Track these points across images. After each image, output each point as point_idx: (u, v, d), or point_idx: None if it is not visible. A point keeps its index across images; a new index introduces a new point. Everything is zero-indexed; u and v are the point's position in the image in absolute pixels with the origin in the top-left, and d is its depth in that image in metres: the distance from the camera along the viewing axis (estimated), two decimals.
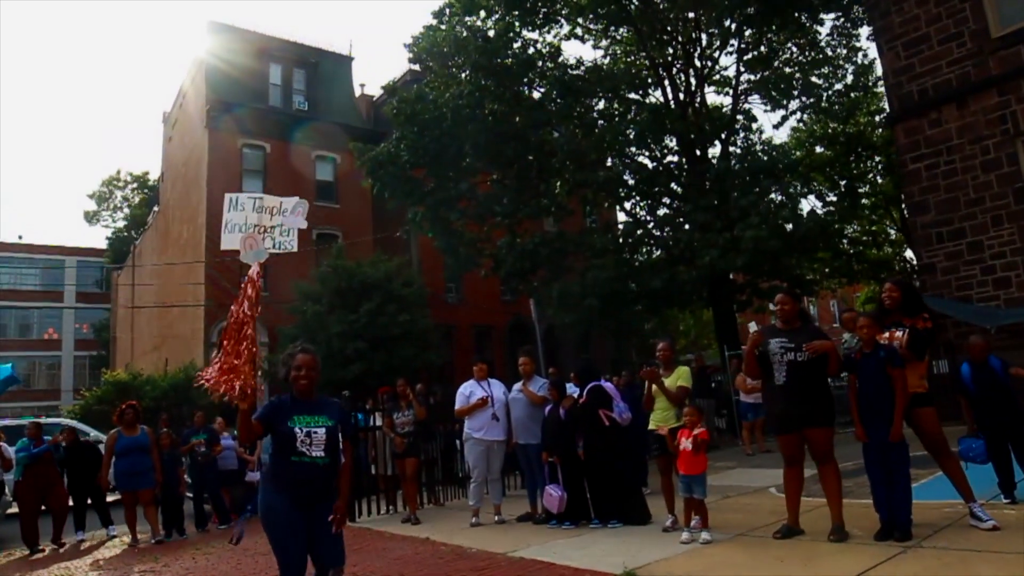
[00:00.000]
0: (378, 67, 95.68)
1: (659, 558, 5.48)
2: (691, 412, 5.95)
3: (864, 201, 21.03)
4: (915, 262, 17.71)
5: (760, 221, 13.23)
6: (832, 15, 18.38)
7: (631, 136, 16.78)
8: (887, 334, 5.32)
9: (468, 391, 8.27)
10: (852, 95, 19.43)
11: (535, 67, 18.33)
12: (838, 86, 18.92)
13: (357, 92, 30.30)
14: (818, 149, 21.23)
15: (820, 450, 5.41)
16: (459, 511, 9.08)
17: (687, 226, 15.43)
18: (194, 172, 26.20)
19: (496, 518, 8.04)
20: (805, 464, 5.68)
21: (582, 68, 18.05)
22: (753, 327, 5.58)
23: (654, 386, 6.37)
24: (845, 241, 20.23)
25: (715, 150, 18.25)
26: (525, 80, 18.50)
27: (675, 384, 6.34)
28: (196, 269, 24.02)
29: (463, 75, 18.04)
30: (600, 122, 17.47)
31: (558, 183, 17.74)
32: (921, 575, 4.30)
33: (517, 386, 8.23)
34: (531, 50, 18.37)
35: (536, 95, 18.70)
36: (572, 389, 8.35)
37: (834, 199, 20.01)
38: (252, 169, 25.66)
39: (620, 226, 17.17)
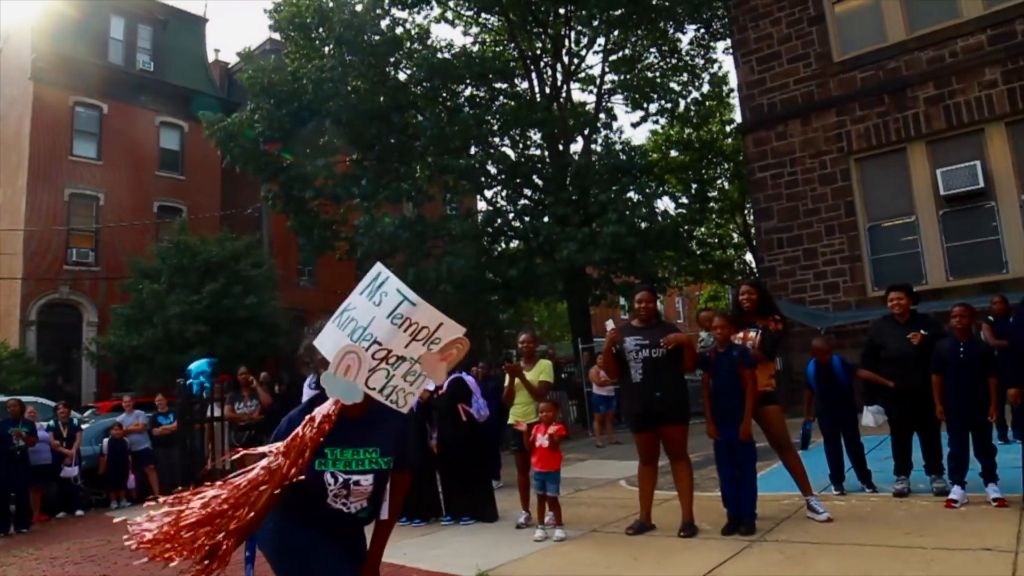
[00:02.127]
0: (235, 33, 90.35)
1: (513, 558, 5.35)
2: (547, 408, 5.85)
3: (712, 205, 22.16)
4: (755, 265, 18.88)
5: (618, 218, 13.53)
6: (695, 26, 19.19)
7: (496, 125, 16.68)
8: (741, 334, 5.46)
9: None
10: (707, 103, 20.40)
11: (402, 47, 17.80)
12: (695, 94, 19.82)
13: (210, 57, 28.29)
14: (673, 153, 22.14)
15: (675, 447, 5.48)
16: None
17: (547, 219, 15.54)
18: (14, 129, 23.34)
19: None
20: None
21: (451, 52, 17.73)
22: (610, 324, 5.59)
23: (516, 380, 6.23)
24: (694, 242, 21.25)
25: (577, 146, 18.55)
26: (392, 60, 17.92)
27: (537, 378, 6.24)
28: (12, 238, 21.51)
29: (327, 48, 17.20)
30: (466, 109, 17.23)
31: (419, 167, 17.34)
32: (766, 570, 4.41)
33: None
34: (399, 29, 17.82)
35: (402, 76, 18.18)
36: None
37: (686, 201, 20.92)
38: (85, 131, 23.21)
39: (480, 214, 17.03)
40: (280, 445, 2.33)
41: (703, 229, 22.74)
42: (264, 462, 2.32)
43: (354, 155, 18.38)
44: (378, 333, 2.33)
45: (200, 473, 9.12)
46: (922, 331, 5.77)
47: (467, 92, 18.53)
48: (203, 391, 10.66)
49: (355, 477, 2.49)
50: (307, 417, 2.37)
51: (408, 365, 2.37)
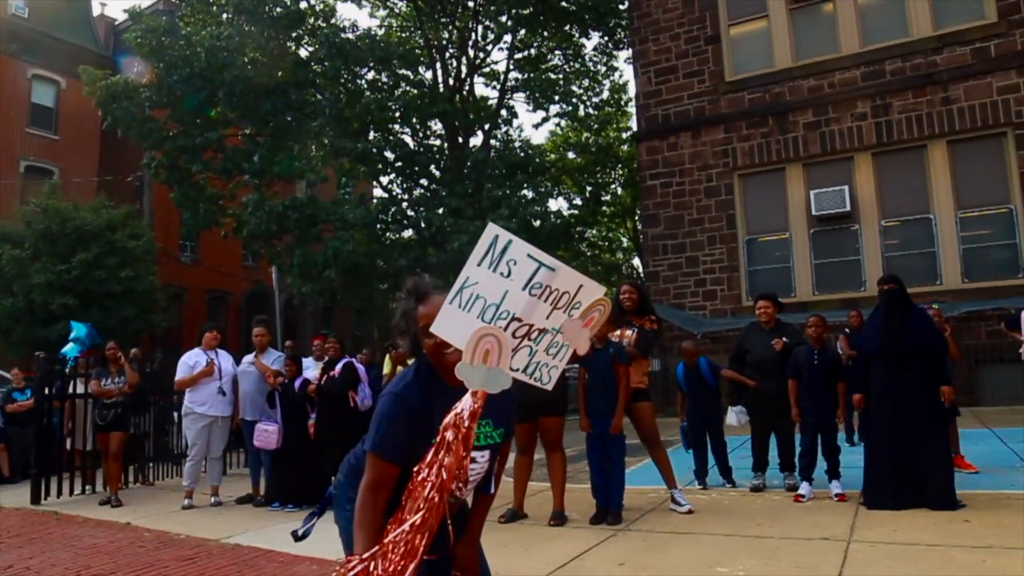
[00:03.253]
0: None
1: None
2: None
3: (605, 209, 22.81)
4: (641, 269, 19.55)
5: (510, 214, 13.72)
6: (599, 33, 19.65)
7: (397, 112, 16.52)
8: (618, 332, 5.69)
9: (193, 361, 7.52)
10: (606, 110, 20.98)
11: (305, 23, 17.34)
12: (595, 99, 20.34)
13: (95, 11, 26.51)
14: (571, 155, 22.63)
15: (551, 438, 5.65)
16: (171, 492, 8.28)
17: (440, 210, 15.56)
18: None
19: (212, 500, 7.42)
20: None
21: (355, 33, 17.40)
22: None
23: (398, 367, 6.23)
24: (584, 244, 21.80)
25: (477, 140, 18.67)
26: (294, 35, 17.42)
27: None
28: None
29: (225, 16, 16.53)
30: (367, 92, 16.97)
31: (315, 147, 16.94)
32: (627, 557, 4.64)
33: (248, 358, 7.66)
34: (304, 4, 17.34)
35: (304, 53, 17.70)
36: (308, 364, 7.97)
37: (579, 203, 21.44)
38: None
39: (375, 200, 16.83)
40: (424, 472, 1.94)
41: (594, 231, 23.37)
42: (419, 507, 1.93)
43: (247, 129, 17.74)
44: (515, 308, 2.00)
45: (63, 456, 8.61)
46: (784, 339, 6.20)
47: (370, 76, 18.27)
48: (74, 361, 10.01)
49: (473, 454, 2.15)
50: (449, 422, 1.96)
51: (551, 337, 2.08)
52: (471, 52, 19.35)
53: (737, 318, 12.81)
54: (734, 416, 6.51)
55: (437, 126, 18.42)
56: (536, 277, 2.00)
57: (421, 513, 1.91)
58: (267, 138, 17.27)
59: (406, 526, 1.92)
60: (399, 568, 1.87)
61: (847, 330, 8.55)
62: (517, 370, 2.04)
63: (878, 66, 12.80)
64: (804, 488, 5.89)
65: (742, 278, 13.45)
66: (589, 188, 21.13)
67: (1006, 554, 4.23)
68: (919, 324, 5.46)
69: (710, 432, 6.62)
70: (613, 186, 22.37)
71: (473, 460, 2.12)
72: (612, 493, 5.45)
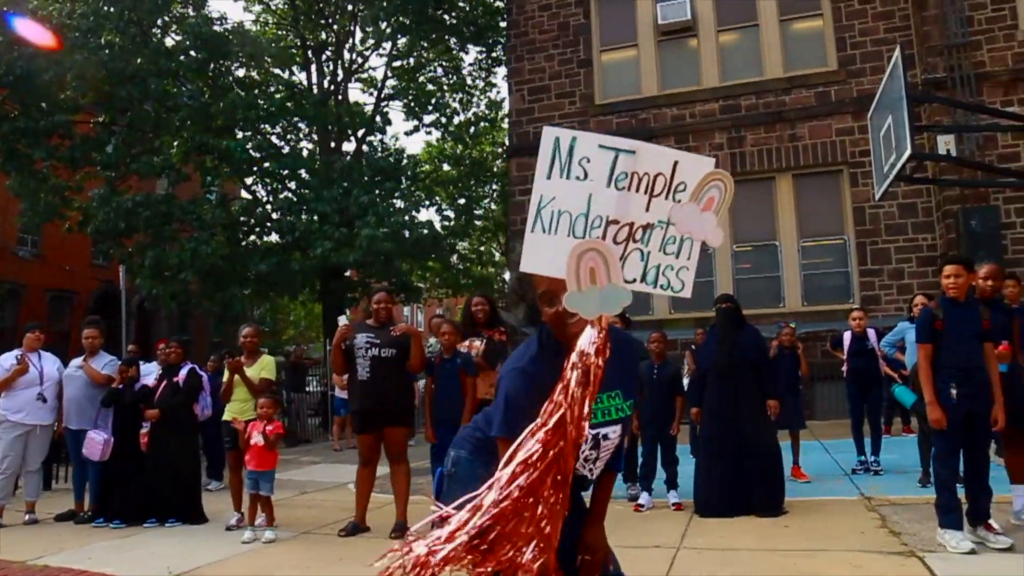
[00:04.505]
0: None
1: (213, 560, 5.07)
2: (266, 404, 5.63)
3: (478, 222, 22.91)
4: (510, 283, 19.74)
5: (377, 222, 13.48)
6: (478, 48, 19.80)
7: (265, 111, 15.90)
8: (467, 343, 5.69)
9: (8, 364, 6.85)
10: (482, 124, 21.14)
11: (171, 10, 16.42)
12: (470, 113, 20.46)
13: None
14: (446, 167, 22.60)
15: (396, 450, 5.55)
16: None
17: (304, 216, 15.11)
18: None
19: (27, 517, 6.75)
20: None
21: (225, 26, 16.64)
22: (343, 319, 5.52)
23: (235, 375, 5.93)
24: (456, 256, 21.81)
25: (350, 145, 18.29)
26: (159, 22, 16.44)
27: (258, 374, 5.98)
28: None
29: None
30: (235, 89, 16.23)
31: (175, 143, 16.02)
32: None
33: (76, 362, 7.07)
34: None
35: (169, 42, 16.73)
36: (149, 370, 7.46)
37: (452, 215, 21.44)
38: None
39: (237, 201, 16.06)
40: (544, 415, 1.65)
41: (466, 244, 23.43)
42: (532, 444, 1.65)
43: (101, 117, 16.53)
44: (607, 210, 1.70)
45: None
46: None
47: (240, 72, 17.53)
48: None
49: (604, 430, 1.94)
50: (574, 361, 1.66)
51: (661, 232, 1.76)
52: (348, 56, 19.00)
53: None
54: None
55: (309, 129, 17.89)
56: (618, 167, 1.72)
57: (546, 461, 1.61)
58: (124, 128, 16.15)
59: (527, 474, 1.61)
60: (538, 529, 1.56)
61: (693, 347, 8.96)
62: (635, 280, 1.75)
63: (734, 101, 13.62)
64: (644, 498, 6.08)
65: None
66: (462, 201, 21.17)
67: (818, 555, 4.54)
68: (752, 341, 5.79)
69: None
70: (487, 200, 22.56)
71: (605, 437, 1.94)
72: None
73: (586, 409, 1.65)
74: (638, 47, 14.66)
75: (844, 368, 7.44)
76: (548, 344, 1.91)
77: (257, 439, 5.51)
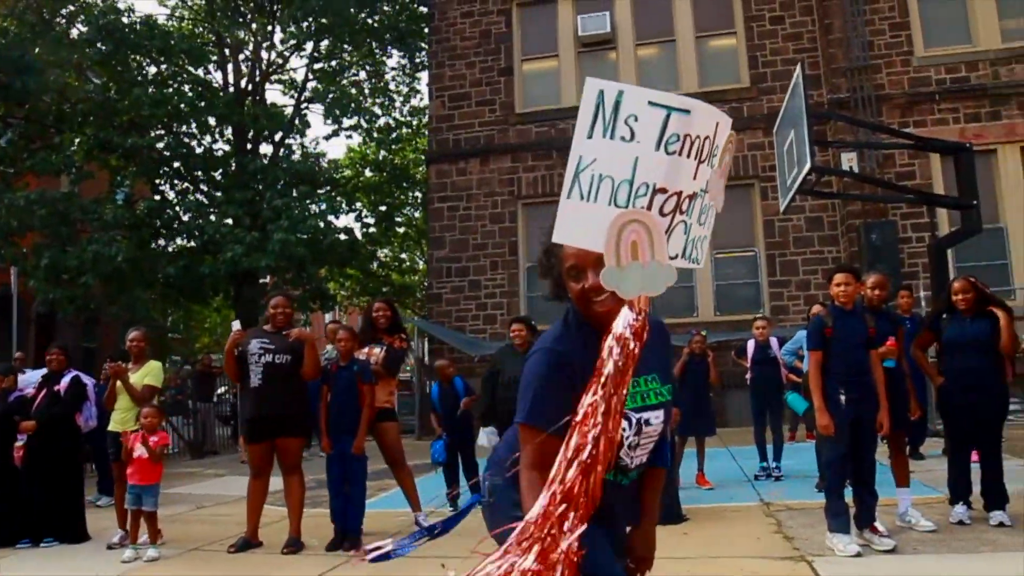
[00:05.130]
0: None
1: None
2: (150, 414, 5.31)
3: (400, 229, 22.59)
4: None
5: (291, 226, 13.09)
6: (400, 53, 19.54)
7: (175, 108, 15.26)
8: (366, 350, 5.51)
9: None
10: (403, 130, 20.87)
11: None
12: (391, 118, 20.13)
13: None
14: (368, 172, 22.21)
15: (289, 461, 5.32)
16: None
17: (212, 217, 14.55)
18: None
19: None
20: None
21: (134, 17, 15.91)
22: (236, 325, 5.27)
23: (118, 383, 5.58)
24: (376, 263, 21.43)
25: (267, 148, 17.76)
26: (64, 12, 15.61)
27: (142, 381, 5.65)
28: None
29: None
30: (142, 84, 15.51)
31: (77, 139, 15.20)
32: None
33: None
34: None
35: (74, 32, 15.89)
36: (29, 379, 6.99)
37: (372, 222, 21.07)
38: None
39: (143, 202, 15.32)
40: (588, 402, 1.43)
41: (387, 251, 23.08)
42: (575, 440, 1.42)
43: None
44: (655, 176, 1.49)
45: None
46: None
47: (152, 69, 16.81)
48: None
49: (646, 415, 1.79)
50: (610, 345, 1.46)
51: (700, 201, 1.58)
52: (267, 55, 18.47)
53: None
54: (485, 438, 6.52)
55: (223, 130, 17.28)
56: (669, 128, 1.49)
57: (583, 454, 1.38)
58: (20, 121, 15.23)
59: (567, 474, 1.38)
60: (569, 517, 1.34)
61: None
62: (676, 256, 1.56)
63: None
64: None
65: (521, 303, 13.84)
66: (383, 208, 20.81)
67: (713, 562, 4.57)
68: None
69: (462, 453, 6.59)
70: (408, 208, 22.27)
71: (647, 423, 1.78)
72: (351, 516, 5.21)
73: (623, 396, 1.47)
74: (559, 57, 14.78)
75: (748, 376, 7.59)
76: (575, 322, 1.78)
77: (140, 451, 5.18)
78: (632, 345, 1.45)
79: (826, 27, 13.30)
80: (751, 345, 7.55)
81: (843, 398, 4.51)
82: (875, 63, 12.97)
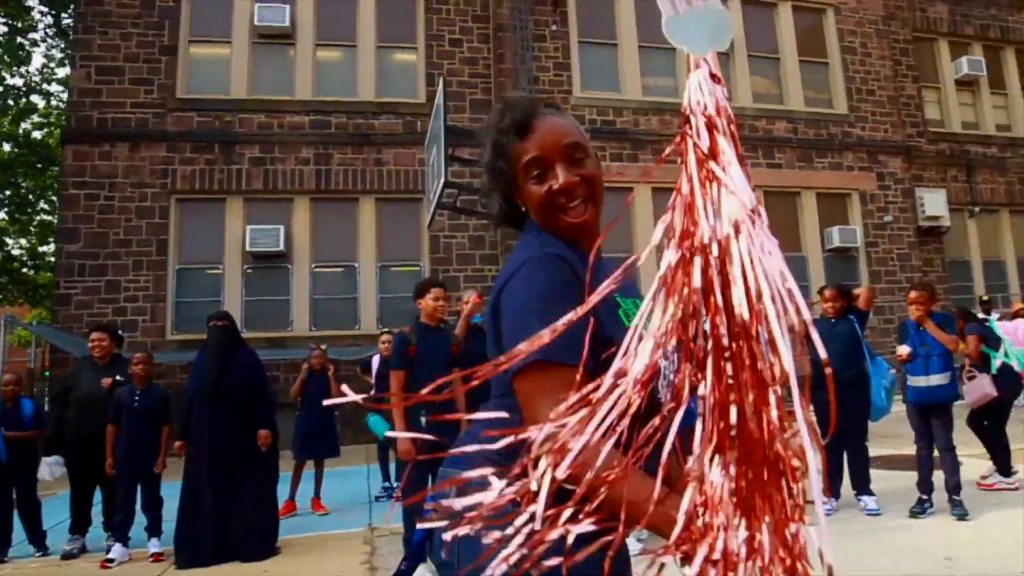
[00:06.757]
0: None
1: None
2: None
3: (43, 218, 19.35)
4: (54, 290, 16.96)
5: None
6: (45, 9, 16.77)
7: None
8: None
9: None
10: (52, 102, 17.93)
11: None
12: (32, 82, 17.16)
13: None
14: (7, 147, 18.72)
15: None
16: None
17: None
18: None
19: None
20: None
21: None
22: None
23: None
24: (3, 255, 18.11)
25: None
26: None
27: None
28: None
29: None
30: None
31: None
32: None
33: None
34: None
35: None
36: None
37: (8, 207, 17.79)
38: None
39: None
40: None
41: (24, 242, 19.68)
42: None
43: None
44: None
45: None
46: (117, 376, 5.46)
47: None
48: None
49: None
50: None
51: None
52: None
53: (160, 352, 11.69)
54: (46, 469, 5.47)
55: None
56: None
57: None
58: None
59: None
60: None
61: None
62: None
63: (325, 117, 13.35)
64: (116, 551, 5.14)
65: (168, 309, 12.42)
66: (19, 190, 17.63)
67: None
68: (246, 362, 5.28)
69: (17, 487, 5.44)
70: (52, 193, 19.11)
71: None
72: None
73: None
74: (232, 45, 13.63)
75: (372, 392, 7.37)
76: (546, 233, 1.30)
77: None
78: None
79: (499, 56, 13.95)
80: (376, 360, 7.37)
81: (424, 420, 4.38)
82: (540, 96, 13.85)
